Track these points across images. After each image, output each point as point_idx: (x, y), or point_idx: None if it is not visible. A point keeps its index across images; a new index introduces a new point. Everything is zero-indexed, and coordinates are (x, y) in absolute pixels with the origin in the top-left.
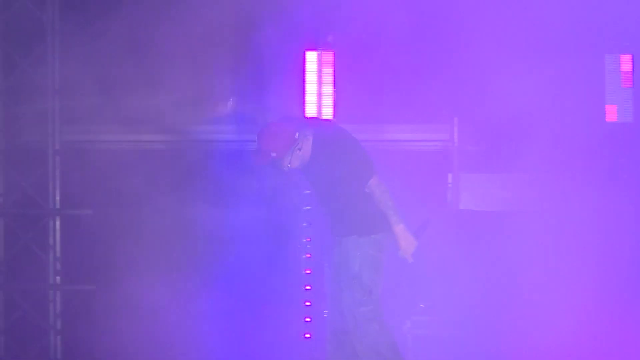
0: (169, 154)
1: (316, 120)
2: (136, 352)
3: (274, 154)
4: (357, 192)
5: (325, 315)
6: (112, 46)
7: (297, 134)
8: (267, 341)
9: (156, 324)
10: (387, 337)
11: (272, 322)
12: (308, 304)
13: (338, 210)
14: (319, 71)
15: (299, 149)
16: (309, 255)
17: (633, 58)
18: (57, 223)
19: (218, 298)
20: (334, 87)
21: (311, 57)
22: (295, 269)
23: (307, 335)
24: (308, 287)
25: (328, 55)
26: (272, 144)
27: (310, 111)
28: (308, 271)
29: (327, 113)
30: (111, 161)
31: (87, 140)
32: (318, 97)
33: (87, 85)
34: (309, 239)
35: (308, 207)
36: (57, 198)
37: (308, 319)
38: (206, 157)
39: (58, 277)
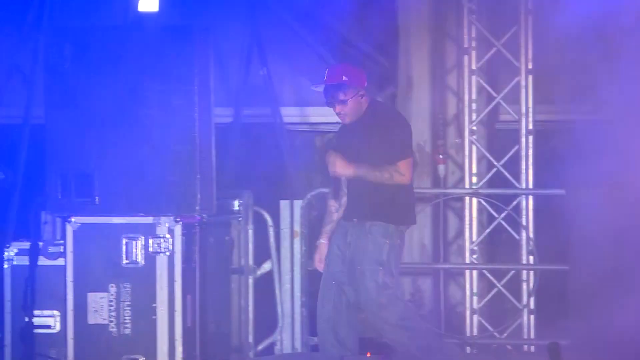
0: None
1: None
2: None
3: (345, 78)
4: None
5: None
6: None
7: (366, 83)
8: None
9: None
10: (411, 312)
11: None
12: None
13: (367, 191)
14: None
15: (362, 96)
16: None
17: None
18: (530, 203)
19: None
20: None
21: None
22: None
23: None
24: None
25: None
26: (349, 68)
27: None
28: None
29: None
30: (583, 140)
31: (559, 120)
32: None
33: (560, 64)
34: None
35: None
36: (530, 178)
37: None
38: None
39: (531, 257)
